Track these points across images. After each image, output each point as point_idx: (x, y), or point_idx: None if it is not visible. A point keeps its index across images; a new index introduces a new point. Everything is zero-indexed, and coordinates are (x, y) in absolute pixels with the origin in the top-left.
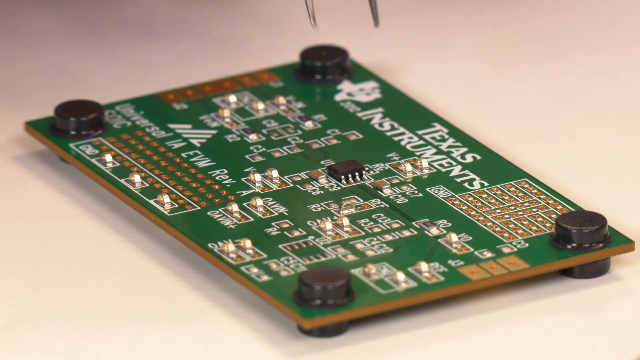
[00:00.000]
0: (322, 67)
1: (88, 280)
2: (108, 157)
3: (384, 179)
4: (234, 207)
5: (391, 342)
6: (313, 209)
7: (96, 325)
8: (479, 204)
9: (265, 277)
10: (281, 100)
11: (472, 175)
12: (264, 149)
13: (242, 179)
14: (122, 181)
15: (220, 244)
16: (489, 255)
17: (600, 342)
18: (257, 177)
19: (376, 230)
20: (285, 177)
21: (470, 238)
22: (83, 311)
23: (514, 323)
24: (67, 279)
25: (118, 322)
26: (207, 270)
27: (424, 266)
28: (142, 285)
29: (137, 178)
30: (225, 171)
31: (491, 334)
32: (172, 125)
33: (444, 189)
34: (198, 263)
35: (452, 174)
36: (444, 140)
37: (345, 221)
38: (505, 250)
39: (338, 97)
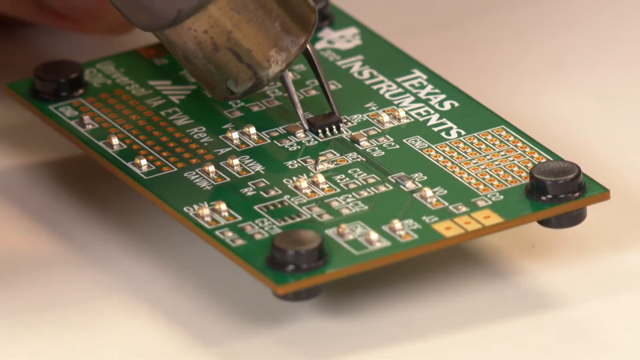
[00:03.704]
0: None
1: (87, 280)
2: (87, 119)
3: (361, 131)
4: (211, 168)
5: (390, 342)
6: (290, 166)
7: (96, 326)
8: (455, 154)
9: (239, 242)
10: None
11: (450, 124)
12: (242, 104)
13: (220, 137)
14: (101, 144)
15: (195, 207)
16: (464, 209)
17: (600, 342)
18: (235, 134)
19: (352, 186)
20: (262, 132)
21: (445, 192)
22: (82, 311)
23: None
24: (66, 280)
25: (118, 322)
26: (208, 271)
27: (397, 224)
28: (142, 286)
29: (115, 140)
30: (203, 129)
31: (491, 334)
32: (152, 82)
33: (420, 140)
34: (198, 263)
35: (429, 123)
36: (422, 87)
37: (321, 178)
38: (480, 203)
39: (318, 46)
